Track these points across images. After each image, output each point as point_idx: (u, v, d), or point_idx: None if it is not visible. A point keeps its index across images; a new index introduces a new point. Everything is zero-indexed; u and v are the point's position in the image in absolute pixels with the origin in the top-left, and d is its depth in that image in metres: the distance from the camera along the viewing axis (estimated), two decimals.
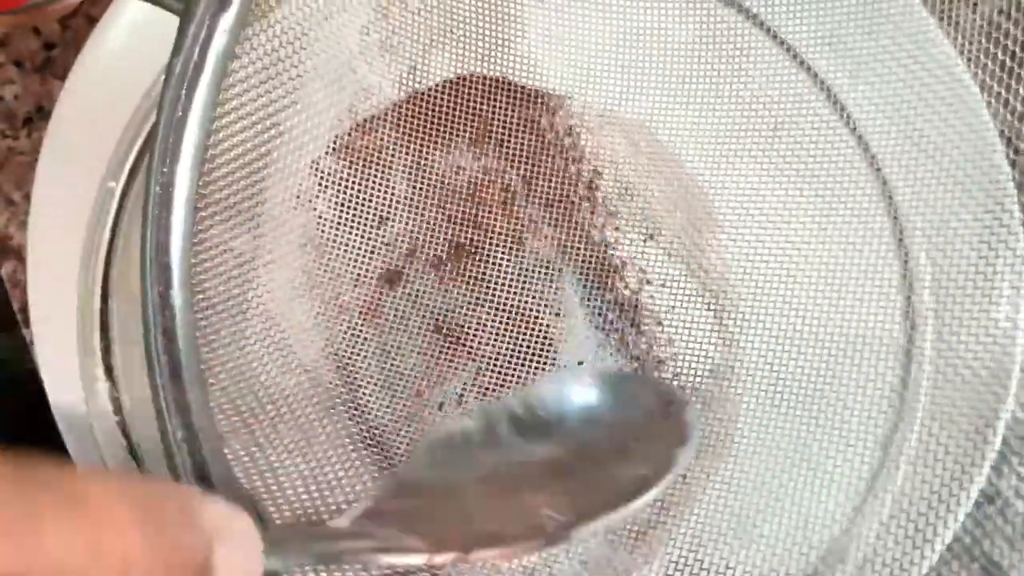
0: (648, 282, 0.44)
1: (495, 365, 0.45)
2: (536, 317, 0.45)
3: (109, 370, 0.42)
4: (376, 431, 0.43)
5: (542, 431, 0.40)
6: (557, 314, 0.45)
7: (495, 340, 0.45)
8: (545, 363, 0.45)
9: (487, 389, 0.44)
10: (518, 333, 0.45)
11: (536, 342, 0.45)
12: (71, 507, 0.23)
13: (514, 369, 0.44)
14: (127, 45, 0.43)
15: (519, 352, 0.45)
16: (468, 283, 0.45)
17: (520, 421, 0.40)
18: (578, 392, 0.41)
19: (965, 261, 0.38)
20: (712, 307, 0.43)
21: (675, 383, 0.44)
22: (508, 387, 0.44)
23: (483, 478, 0.38)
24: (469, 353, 0.45)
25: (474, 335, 0.45)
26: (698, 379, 0.43)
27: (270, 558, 0.28)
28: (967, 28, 0.38)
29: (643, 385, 0.44)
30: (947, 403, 0.37)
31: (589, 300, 0.45)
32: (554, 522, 0.33)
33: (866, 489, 0.38)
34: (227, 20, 0.36)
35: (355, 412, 0.43)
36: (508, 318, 0.45)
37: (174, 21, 0.35)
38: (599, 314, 0.45)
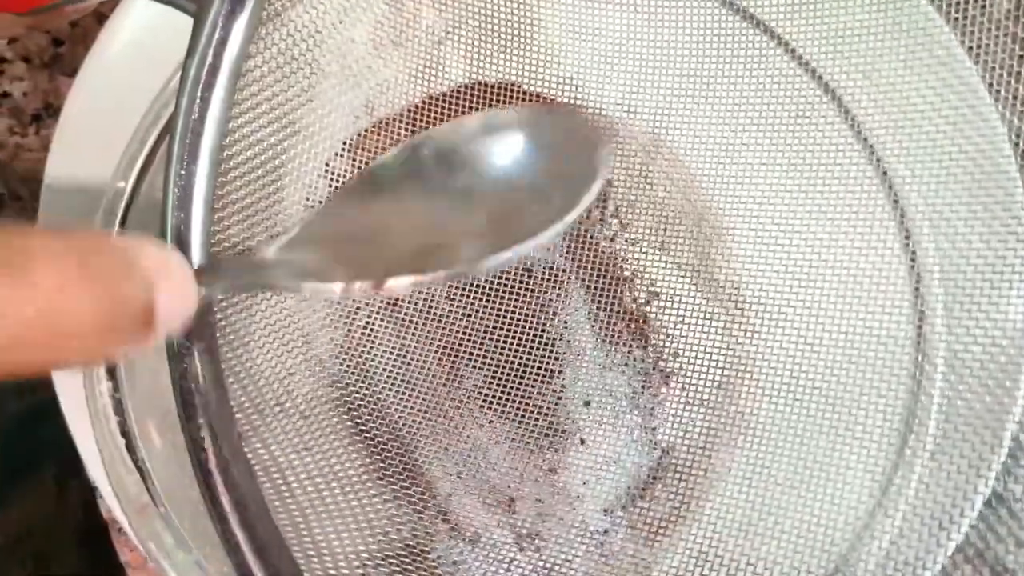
0: (657, 294, 0.44)
1: (505, 371, 0.45)
2: (544, 326, 0.45)
3: (111, 370, 0.42)
4: (395, 425, 0.44)
5: (465, 164, 0.40)
6: (565, 324, 0.45)
7: (503, 347, 0.45)
8: (552, 370, 0.45)
9: (500, 389, 0.45)
10: (527, 342, 0.45)
11: (544, 350, 0.45)
12: (16, 267, 0.23)
13: (523, 376, 0.45)
14: (137, 43, 0.43)
15: (526, 360, 0.45)
16: (478, 290, 0.45)
17: (445, 154, 0.40)
18: (503, 127, 0.41)
19: (975, 259, 0.38)
20: (721, 318, 0.43)
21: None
22: (516, 391, 0.45)
23: (407, 209, 0.39)
24: (481, 359, 0.45)
25: (484, 341, 0.45)
26: (706, 391, 0.43)
27: (202, 290, 0.30)
28: (976, 27, 0.38)
29: (565, 120, 0.44)
30: (961, 404, 0.37)
31: (597, 311, 0.45)
32: (468, 251, 0.35)
33: (881, 490, 0.38)
34: (241, 20, 0.36)
35: (373, 407, 0.44)
36: (517, 327, 0.45)
37: (183, 18, 0.36)
38: (607, 325, 0.45)
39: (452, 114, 0.45)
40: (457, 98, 0.45)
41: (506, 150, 0.41)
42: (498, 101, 0.45)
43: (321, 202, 0.43)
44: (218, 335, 0.36)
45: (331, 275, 0.32)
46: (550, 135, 0.41)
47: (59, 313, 0.24)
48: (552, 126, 0.42)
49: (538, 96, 0.45)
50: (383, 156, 0.42)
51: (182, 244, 0.35)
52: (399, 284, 0.32)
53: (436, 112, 0.45)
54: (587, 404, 0.44)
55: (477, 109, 0.45)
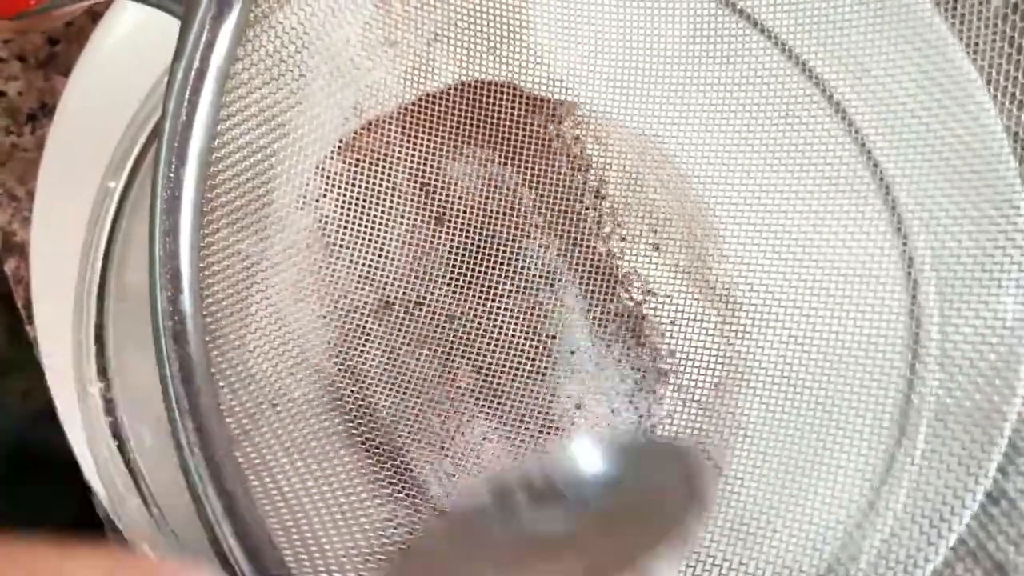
0: (652, 293, 0.44)
1: (498, 371, 0.45)
2: (539, 326, 0.45)
3: (103, 370, 0.42)
4: (388, 427, 0.44)
5: (558, 500, 0.37)
6: (559, 324, 0.45)
7: (497, 347, 0.45)
8: (545, 371, 0.45)
9: (493, 390, 0.44)
10: (520, 342, 0.45)
11: (538, 351, 0.45)
12: None
13: (516, 376, 0.45)
14: (131, 42, 0.43)
15: (520, 361, 0.45)
16: (471, 290, 0.45)
17: (536, 490, 0.37)
18: (595, 460, 0.37)
19: (965, 258, 0.38)
20: (713, 318, 0.43)
21: (696, 442, 0.42)
22: (511, 394, 0.44)
23: (497, 553, 0.36)
24: (474, 360, 0.45)
25: (477, 341, 0.45)
26: (701, 391, 0.43)
27: None
28: (971, 24, 0.37)
29: (661, 450, 0.40)
30: (952, 402, 0.37)
31: (591, 310, 0.45)
32: None
33: (875, 489, 0.38)
34: (228, 23, 0.35)
35: (364, 411, 0.44)
36: (510, 326, 0.45)
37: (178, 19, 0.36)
38: (601, 324, 0.45)
39: (442, 116, 0.45)
40: (448, 99, 0.45)
41: (601, 480, 0.36)
42: (490, 101, 0.45)
43: (316, 197, 0.43)
44: (208, 339, 0.36)
45: None
46: (644, 460, 0.38)
47: None
48: (646, 452, 0.39)
49: (533, 96, 0.45)
50: (466, 497, 0.41)
51: (171, 249, 0.35)
52: None
53: (426, 113, 0.45)
54: (579, 406, 0.44)
55: (467, 111, 0.45)
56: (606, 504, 0.36)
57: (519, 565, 0.35)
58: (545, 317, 0.45)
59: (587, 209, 0.45)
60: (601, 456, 0.37)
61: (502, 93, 0.45)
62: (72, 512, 0.48)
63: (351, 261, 0.44)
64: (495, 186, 0.45)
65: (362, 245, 0.44)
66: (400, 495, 0.43)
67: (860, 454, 0.39)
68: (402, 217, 0.45)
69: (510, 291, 0.45)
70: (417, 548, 0.38)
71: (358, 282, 0.44)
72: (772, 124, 0.41)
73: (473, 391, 0.44)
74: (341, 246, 0.44)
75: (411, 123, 0.45)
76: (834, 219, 0.40)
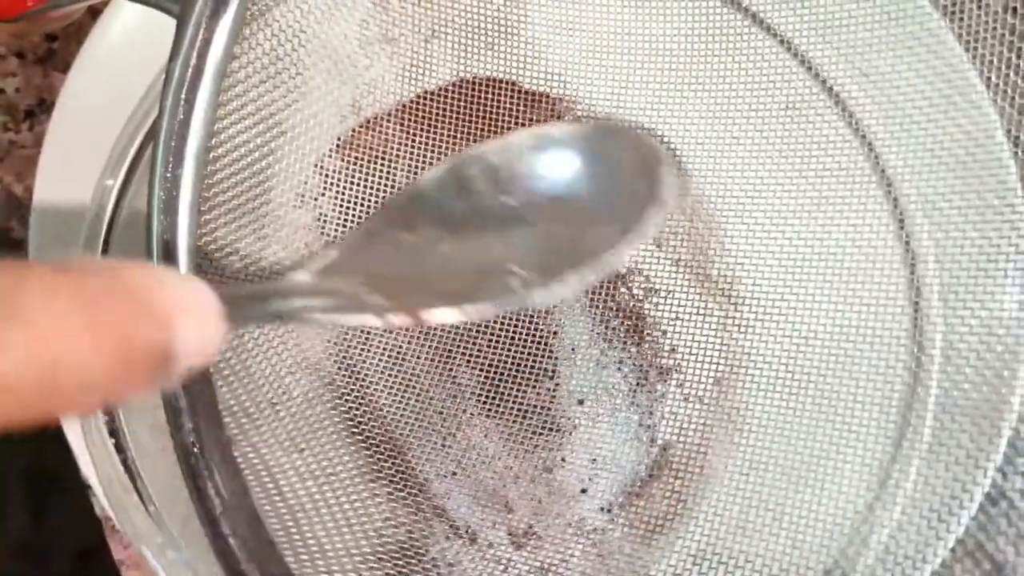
0: (654, 290, 0.44)
1: (500, 368, 0.45)
2: (539, 322, 0.45)
3: None
4: (389, 425, 0.44)
5: (516, 184, 0.38)
6: (559, 320, 0.45)
7: (498, 344, 0.45)
8: (546, 368, 0.44)
9: (494, 388, 0.44)
10: (521, 339, 0.45)
11: (539, 348, 0.45)
12: (7, 305, 0.20)
13: (518, 373, 0.44)
14: (129, 39, 0.43)
15: (520, 358, 0.45)
16: None
17: (495, 172, 0.38)
18: (555, 144, 0.39)
19: (969, 248, 0.37)
20: (715, 313, 0.43)
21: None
22: (511, 389, 0.44)
23: (452, 233, 0.36)
24: (475, 357, 0.45)
25: (478, 339, 0.45)
26: (702, 387, 0.43)
27: (226, 322, 0.25)
28: (970, 17, 0.37)
29: (623, 139, 0.41)
30: (959, 394, 0.37)
31: (593, 307, 0.45)
32: (518, 281, 0.32)
33: (879, 484, 0.38)
34: (224, 21, 0.35)
35: (364, 409, 0.43)
36: (510, 323, 0.45)
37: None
38: (602, 321, 0.45)
39: (440, 112, 0.44)
40: (446, 96, 0.44)
41: (559, 169, 0.39)
42: (487, 98, 0.44)
43: (315, 195, 0.43)
44: None
45: (368, 307, 0.30)
46: (605, 154, 0.39)
47: (60, 359, 0.20)
48: (608, 144, 0.40)
49: (531, 92, 0.44)
50: (426, 174, 0.40)
51: (169, 248, 0.35)
52: (442, 317, 0.30)
53: (424, 110, 0.44)
54: (581, 403, 0.44)
55: (466, 108, 0.44)
56: (564, 192, 0.37)
57: (472, 250, 0.35)
58: (546, 314, 0.45)
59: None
60: (561, 141, 0.38)
61: (501, 89, 0.44)
62: (70, 510, 0.48)
63: None
64: None
65: None
66: (400, 493, 0.43)
67: (866, 449, 0.38)
68: None
69: None
70: (369, 229, 0.38)
71: None
72: (772, 117, 0.41)
73: (474, 388, 0.44)
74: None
75: (409, 120, 0.44)
76: (836, 212, 0.40)
